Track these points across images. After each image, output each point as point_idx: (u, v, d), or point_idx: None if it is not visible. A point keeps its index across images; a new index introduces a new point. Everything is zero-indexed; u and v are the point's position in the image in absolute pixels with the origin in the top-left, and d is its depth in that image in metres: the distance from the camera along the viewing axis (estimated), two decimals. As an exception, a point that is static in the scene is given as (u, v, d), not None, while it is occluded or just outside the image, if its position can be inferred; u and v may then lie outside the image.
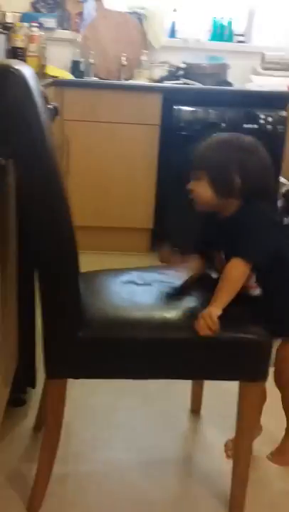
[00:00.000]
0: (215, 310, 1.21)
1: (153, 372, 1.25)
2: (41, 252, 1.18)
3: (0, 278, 1.21)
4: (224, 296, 1.24)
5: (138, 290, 1.34)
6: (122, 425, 1.67)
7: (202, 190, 1.30)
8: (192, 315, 1.25)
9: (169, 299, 1.34)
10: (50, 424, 1.28)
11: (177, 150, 3.02)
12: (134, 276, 1.43)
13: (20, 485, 1.38)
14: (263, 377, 1.26)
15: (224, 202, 1.30)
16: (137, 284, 1.37)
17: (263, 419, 1.57)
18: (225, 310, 1.23)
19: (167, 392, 1.81)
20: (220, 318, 1.21)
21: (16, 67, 1.04)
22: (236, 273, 1.25)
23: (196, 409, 1.73)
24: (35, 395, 1.67)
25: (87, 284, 1.36)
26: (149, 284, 1.37)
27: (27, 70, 1.12)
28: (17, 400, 1.66)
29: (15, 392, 1.57)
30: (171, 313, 1.28)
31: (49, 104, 1.57)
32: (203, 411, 1.73)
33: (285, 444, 1.55)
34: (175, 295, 1.35)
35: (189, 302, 1.33)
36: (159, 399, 1.79)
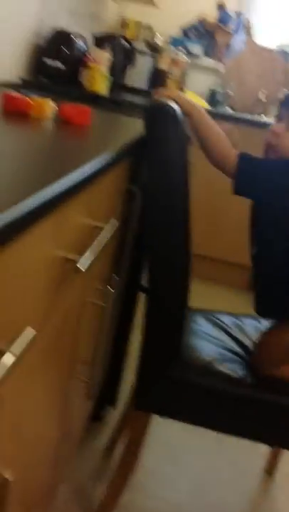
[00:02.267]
0: None
1: (239, 430, 1.21)
2: (154, 278, 1.18)
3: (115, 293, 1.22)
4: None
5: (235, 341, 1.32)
6: (191, 467, 1.64)
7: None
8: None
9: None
10: (128, 454, 1.27)
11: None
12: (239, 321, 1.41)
13: (85, 503, 1.39)
14: None
15: None
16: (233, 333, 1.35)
17: None
18: None
19: (243, 443, 1.75)
20: None
21: (173, 105, 1.08)
22: None
23: (269, 471, 1.66)
24: (113, 411, 1.69)
25: (192, 323, 1.36)
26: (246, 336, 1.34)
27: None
28: (94, 415, 1.67)
29: (94, 406, 1.59)
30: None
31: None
32: (277, 474, 1.66)
33: None
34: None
35: None
36: (234, 448, 1.73)
